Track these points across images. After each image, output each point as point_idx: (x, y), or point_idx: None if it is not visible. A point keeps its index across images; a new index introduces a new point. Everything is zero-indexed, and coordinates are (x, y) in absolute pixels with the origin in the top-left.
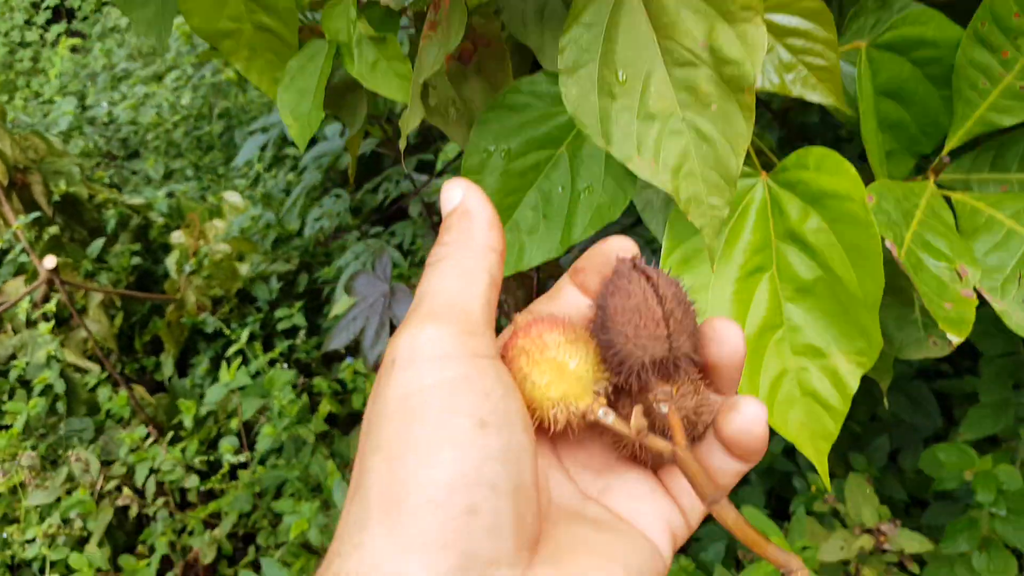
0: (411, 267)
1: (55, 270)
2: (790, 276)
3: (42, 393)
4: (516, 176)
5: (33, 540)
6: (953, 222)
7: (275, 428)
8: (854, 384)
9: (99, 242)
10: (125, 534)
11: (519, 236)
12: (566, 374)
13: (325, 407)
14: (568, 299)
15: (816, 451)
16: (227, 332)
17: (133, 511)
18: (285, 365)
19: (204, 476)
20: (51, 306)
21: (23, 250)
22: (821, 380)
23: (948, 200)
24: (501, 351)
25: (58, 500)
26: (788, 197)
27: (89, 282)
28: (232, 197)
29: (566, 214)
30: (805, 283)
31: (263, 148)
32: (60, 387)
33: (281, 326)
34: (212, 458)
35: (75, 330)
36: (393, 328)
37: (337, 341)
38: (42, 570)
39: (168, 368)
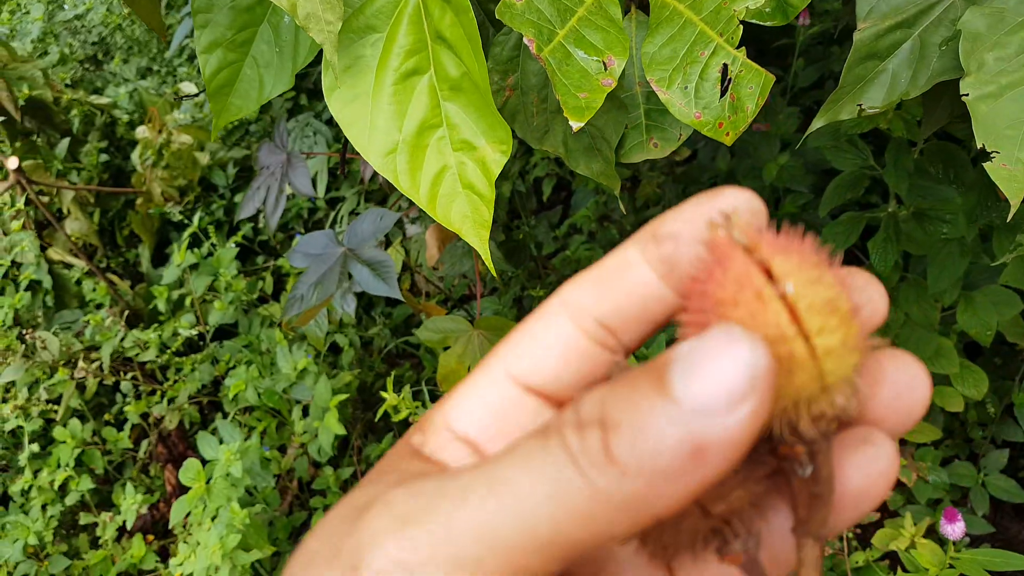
0: (337, 141)
1: (19, 169)
2: (444, 75)
3: (29, 288)
4: (244, 11)
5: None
6: (620, 17)
7: (223, 303)
8: (497, 171)
9: (65, 142)
10: (94, 411)
11: (258, 71)
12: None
13: (268, 282)
14: (632, 286)
15: (478, 238)
16: (182, 219)
17: (92, 384)
18: (233, 245)
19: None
20: (20, 204)
21: None
22: (475, 172)
23: None
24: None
25: (37, 381)
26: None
27: (60, 181)
28: (188, 87)
29: (293, 43)
30: (455, 81)
31: (191, 33)
32: (47, 282)
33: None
34: (180, 340)
35: (59, 230)
36: (290, 197)
37: (246, 211)
38: (20, 443)
39: (145, 259)
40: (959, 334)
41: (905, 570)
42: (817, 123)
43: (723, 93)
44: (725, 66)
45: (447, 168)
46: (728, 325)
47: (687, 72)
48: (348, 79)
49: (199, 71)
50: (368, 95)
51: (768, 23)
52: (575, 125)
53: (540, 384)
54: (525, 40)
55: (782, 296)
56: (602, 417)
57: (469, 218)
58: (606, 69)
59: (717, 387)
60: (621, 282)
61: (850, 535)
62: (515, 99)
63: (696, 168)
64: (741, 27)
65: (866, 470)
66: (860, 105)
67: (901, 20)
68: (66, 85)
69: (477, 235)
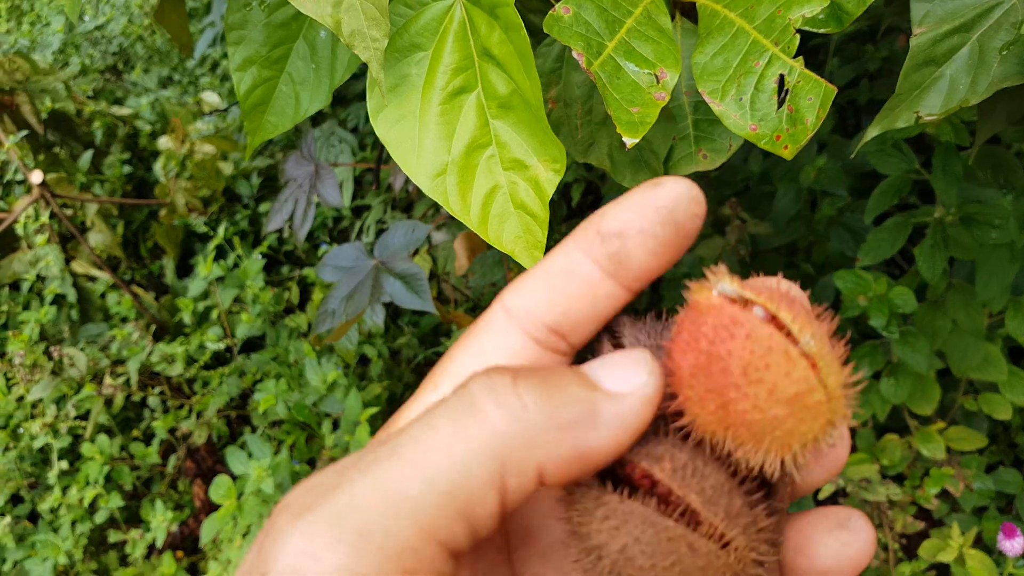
0: (364, 148)
1: (43, 183)
2: (492, 93)
3: (55, 302)
4: (279, 27)
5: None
6: (671, 27)
7: (251, 315)
8: (551, 191)
9: (87, 154)
10: (121, 426)
11: (294, 88)
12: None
13: (295, 292)
14: (581, 289)
15: (532, 260)
16: (207, 230)
17: (119, 399)
18: (259, 256)
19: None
20: (45, 218)
21: (17, 169)
22: (528, 192)
23: (693, 6)
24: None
25: (64, 397)
26: (478, 14)
27: (84, 194)
28: (210, 97)
29: (330, 59)
30: (504, 98)
31: (213, 43)
32: (72, 296)
33: (265, 220)
34: (208, 354)
35: (84, 242)
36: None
37: (273, 223)
38: (48, 460)
39: (169, 270)
40: (1004, 339)
41: None
42: (872, 132)
43: (780, 104)
44: (782, 76)
45: (498, 188)
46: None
47: (741, 83)
48: (394, 99)
49: (222, 80)
50: (415, 115)
51: (822, 30)
52: (629, 141)
53: None
54: (574, 54)
55: (806, 355)
56: (516, 374)
57: (522, 239)
58: (658, 82)
59: (621, 374)
60: (569, 285)
61: (896, 546)
62: (558, 112)
63: (728, 171)
64: (798, 36)
65: (838, 553)
66: (917, 113)
67: (958, 24)
68: (87, 96)
69: (531, 257)
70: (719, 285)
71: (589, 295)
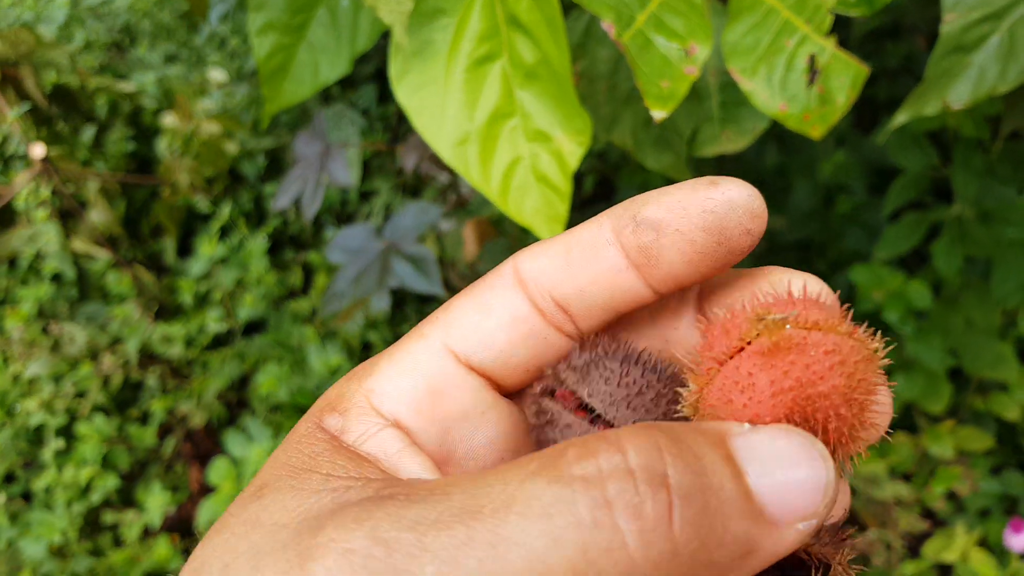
0: (372, 131)
1: (45, 158)
2: (518, 62)
3: (54, 280)
4: None
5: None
6: (702, 2)
7: (254, 297)
8: (574, 164)
9: (90, 129)
10: (119, 407)
11: (313, 55)
12: None
13: (299, 275)
14: (601, 272)
15: (551, 234)
16: (210, 210)
17: (117, 379)
18: (265, 238)
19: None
20: (45, 194)
21: (18, 143)
22: (550, 164)
23: None
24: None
25: (61, 376)
26: None
27: (86, 169)
28: (216, 74)
29: (352, 27)
30: (530, 67)
31: (224, 17)
32: (71, 274)
33: (269, 201)
34: (209, 336)
35: (84, 220)
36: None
37: (281, 202)
38: (43, 438)
39: (170, 250)
40: (1016, 340)
41: None
42: (900, 118)
43: (810, 84)
44: (812, 56)
45: (520, 159)
46: (797, 430)
47: (771, 62)
48: (417, 65)
49: (230, 57)
50: (438, 82)
51: (853, 13)
52: (657, 115)
53: (484, 362)
54: (603, 25)
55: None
56: (665, 480)
57: (541, 212)
58: (689, 57)
59: (795, 503)
60: (589, 264)
61: (899, 544)
62: (583, 87)
63: (744, 163)
64: (830, 16)
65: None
66: (945, 101)
67: (989, 12)
68: (92, 72)
69: (550, 231)
70: (787, 315)
71: (608, 282)
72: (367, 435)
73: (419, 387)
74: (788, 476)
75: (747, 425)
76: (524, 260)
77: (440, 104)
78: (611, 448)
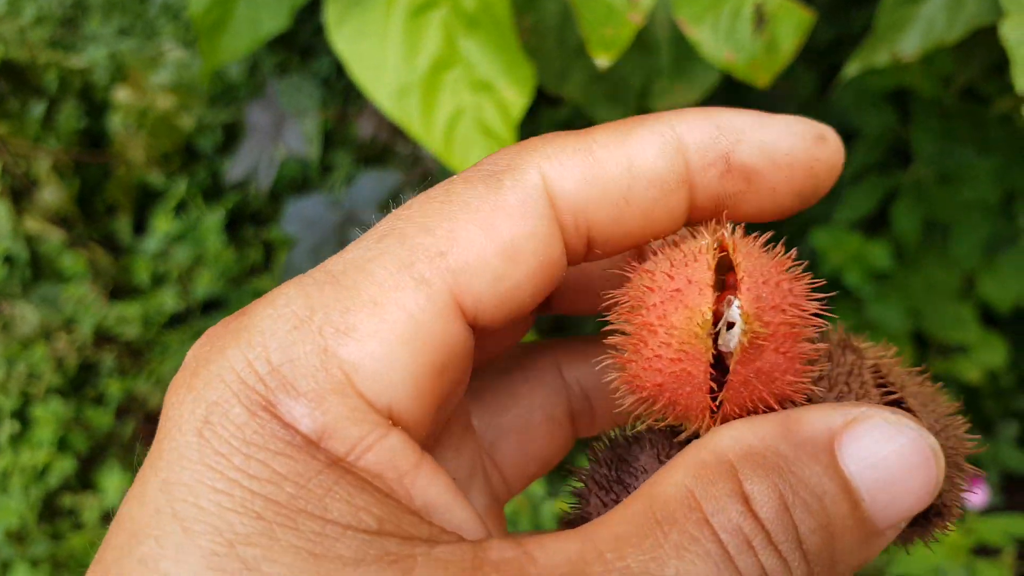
0: (333, 102)
1: None
2: (460, 9)
3: (6, 260)
4: None
5: None
6: None
7: (211, 275)
8: (518, 114)
9: (40, 105)
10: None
11: (253, 9)
12: None
13: (258, 251)
14: (653, 204)
15: None
16: (165, 185)
17: (72, 360)
18: (220, 213)
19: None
20: None
21: None
22: (494, 115)
23: None
24: None
25: (12, 359)
26: None
27: (37, 147)
28: (170, 47)
29: None
30: (472, 15)
31: None
32: (24, 254)
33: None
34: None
35: (36, 199)
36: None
37: (235, 173)
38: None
39: (125, 229)
40: (979, 306)
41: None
42: (851, 69)
43: (757, 30)
44: (758, 4)
45: (463, 111)
46: (921, 434)
47: (718, 10)
48: (355, 13)
49: (186, 29)
50: (377, 31)
51: None
52: (602, 63)
53: (497, 319)
54: None
55: None
56: (797, 537)
57: None
58: (632, 3)
59: (906, 509)
60: (653, 207)
61: None
62: (532, 41)
63: None
64: None
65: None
66: (895, 53)
67: None
68: (43, 46)
69: None
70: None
71: (663, 227)
72: (366, 444)
73: (422, 366)
74: (904, 490)
75: (849, 413)
76: (558, 176)
77: (379, 54)
78: (747, 513)
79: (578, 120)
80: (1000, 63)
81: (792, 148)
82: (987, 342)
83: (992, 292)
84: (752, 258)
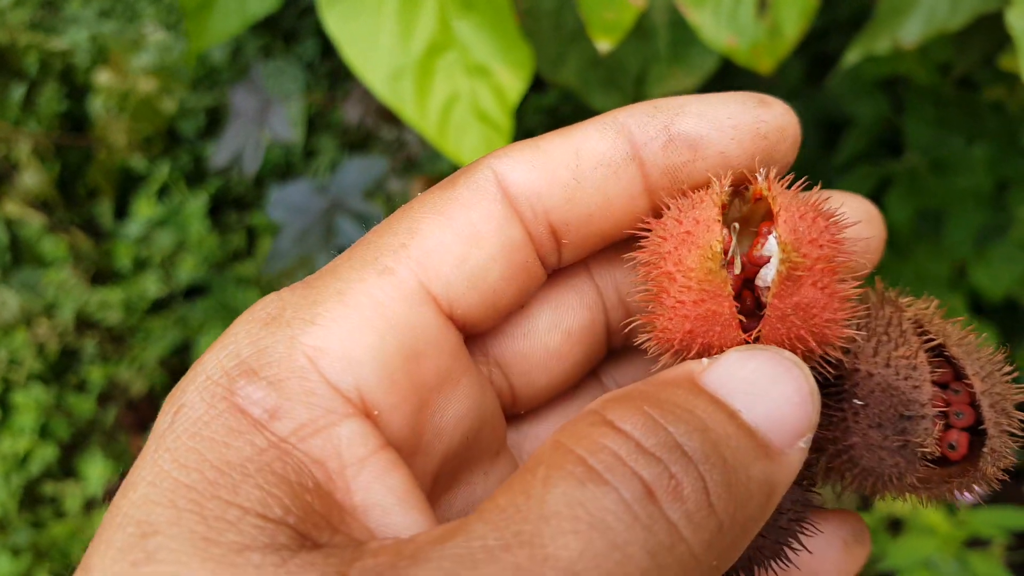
0: (317, 86)
1: None
2: None
3: None
4: None
5: None
6: None
7: (194, 260)
8: (515, 99)
9: (21, 88)
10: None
11: None
12: None
13: (241, 237)
14: (609, 198)
15: None
16: (147, 169)
17: (53, 346)
18: (204, 197)
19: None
20: None
21: None
22: (490, 101)
23: None
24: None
25: None
26: None
27: (17, 130)
28: (152, 29)
29: None
30: None
31: None
32: (4, 239)
33: (210, 161)
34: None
35: (16, 182)
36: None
37: (220, 158)
38: None
39: (107, 213)
40: (969, 295)
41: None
42: (852, 56)
43: (760, 14)
44: None
45: (458, 95)
46: (776, 351)
47: None
48: None
49: (168, 11)
50: (371, 11)
51: None
52: (603, 47)
53: (471, 308)
54: None
55: None
56: (682, 450)
57: (481, 152)
58: None
59: (792, 422)
60: (603, 185)
61: (849, 498)
62: (527, 24)
63: None
64: None
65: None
66: (896, 40)
67: None
68: (23, 28)
69: None
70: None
71: (622, 208)
72: (315, 427)
73: (391, 347)
74: (775, 397)
75: (704, 361)
76: (508, 170)
77: (373, 34)
78: (610, 431)
79: (565, 105)
80: (992, 51)
81: (732, 112)
82: (977, 332)
83: (983, 282)
84: (788, 195)
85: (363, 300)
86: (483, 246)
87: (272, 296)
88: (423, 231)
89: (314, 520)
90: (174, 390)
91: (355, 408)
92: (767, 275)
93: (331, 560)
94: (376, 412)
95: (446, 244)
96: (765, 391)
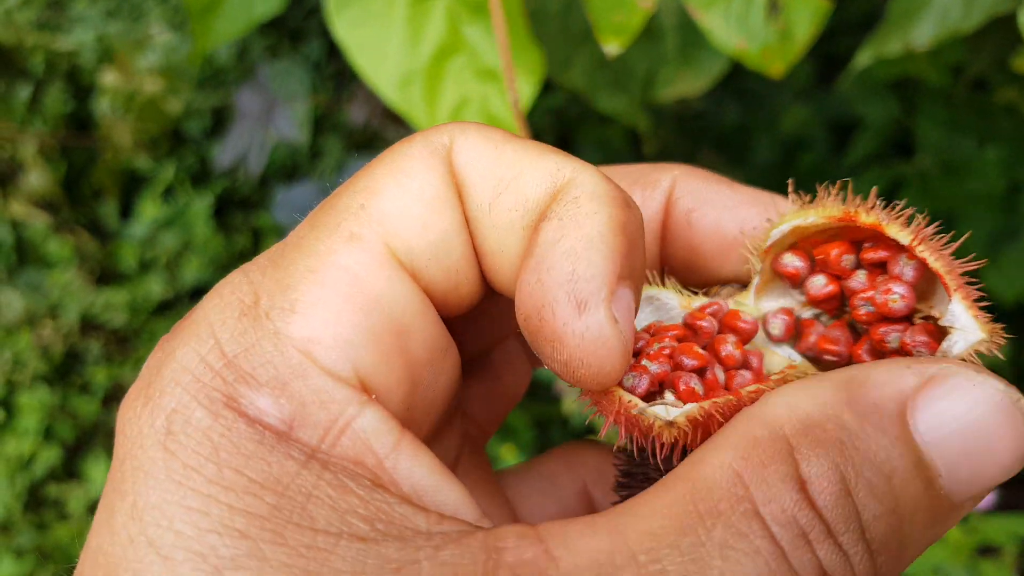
0: (323, 87)
1: None
2: None
3: None
4: None
5: None
6: None
7: (199, 261)
8: (525, 104)
9: (27, 88)
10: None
11: None
12: None
13: (246, 238)
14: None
15: None
16: (152, 169)
17: (58, 347)
18: (209, 198)
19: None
20: None
21: None
22: (501, 106)
23: None
24: None
25: None
26: None
27: (23, 130)
28: (157, 30)
29: None
30: (477, 0)
31: None
32: (9, 239)
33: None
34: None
35: (21, 182)
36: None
37: (225, 158)
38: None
39: (112, 214)
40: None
41: None
42: (863, 59)
43: (771, 16)
44: None
45: (468, 100)
46: (1007, 391)
47: None
48: None
49: (174, 11)
50: (380, 16)
51: None
52: (611, 50)
53: (436, 277)
54: None
55: None
56: (860, 524)
57: None
58: None
59: (989, 480)
60: (501, 222)
61: None
62: (534, 27)
63: (704, 119)
64: None
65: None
66: (907, 43)
67: None
68: (30, 28)
69: None
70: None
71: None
72: (338, 427)
73: (378, 325)
74: (988, 459)
75: (927, 369)
76: (460, 148)
77: (382, 40)
78: (803, 502)
79: (573, 106)
80: (1005, 52)
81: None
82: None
83: (996, 285)
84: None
85: (338, 275)
86: (445, 216)
87: (238, 276)
88: (380, 190)
89: (396, 524)
90: (143, 385)
91: (363, 395)
92: (952, 348)
93: (463, 567)
94: (374, 395)
95: (406, 206)
96: (979, 450)
